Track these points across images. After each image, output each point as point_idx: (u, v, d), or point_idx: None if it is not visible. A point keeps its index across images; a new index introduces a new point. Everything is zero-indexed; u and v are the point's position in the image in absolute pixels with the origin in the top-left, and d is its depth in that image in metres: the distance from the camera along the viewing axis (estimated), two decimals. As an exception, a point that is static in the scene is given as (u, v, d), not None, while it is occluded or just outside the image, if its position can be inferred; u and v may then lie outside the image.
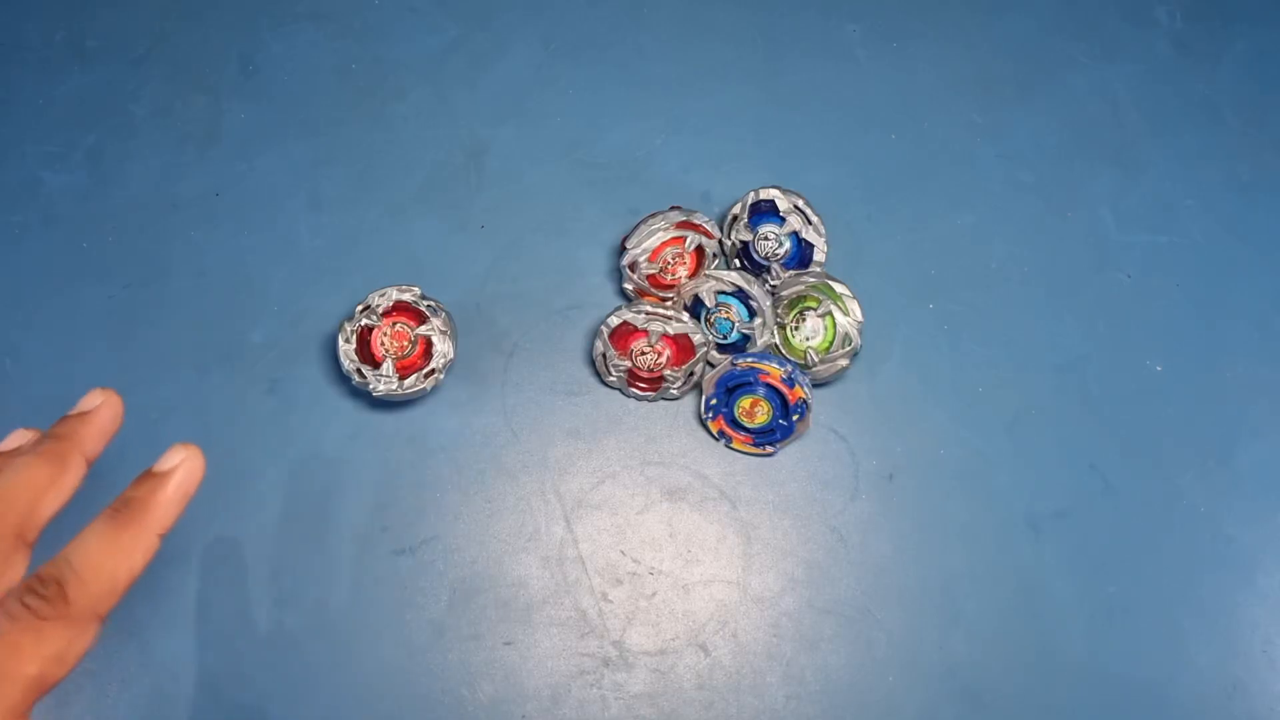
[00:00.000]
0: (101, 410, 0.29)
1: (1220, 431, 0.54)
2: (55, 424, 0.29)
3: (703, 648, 0.49)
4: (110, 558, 0.27)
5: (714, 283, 0.51)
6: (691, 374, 0.52)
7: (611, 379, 0.52)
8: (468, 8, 0.61)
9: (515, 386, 0.53)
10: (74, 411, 0.29)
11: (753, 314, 0.51)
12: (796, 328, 0.51)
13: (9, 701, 0.25)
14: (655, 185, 0.57)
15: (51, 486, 0.28)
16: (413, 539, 0.50)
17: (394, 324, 0.49)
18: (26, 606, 0.25)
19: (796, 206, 0.52)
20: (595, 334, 0.52)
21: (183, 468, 0.28)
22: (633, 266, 0.52)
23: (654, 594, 0.50)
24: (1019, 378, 0.54)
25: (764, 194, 0.52)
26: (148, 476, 0.28)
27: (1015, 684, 0.49)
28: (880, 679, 0.49)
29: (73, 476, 0.28)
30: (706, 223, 0.52)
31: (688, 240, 0.52)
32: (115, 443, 0.50)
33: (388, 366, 0.49)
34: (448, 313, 0.50)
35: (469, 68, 0.59)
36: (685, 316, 0.50)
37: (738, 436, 0.51)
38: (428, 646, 0.48)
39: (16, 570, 0.27)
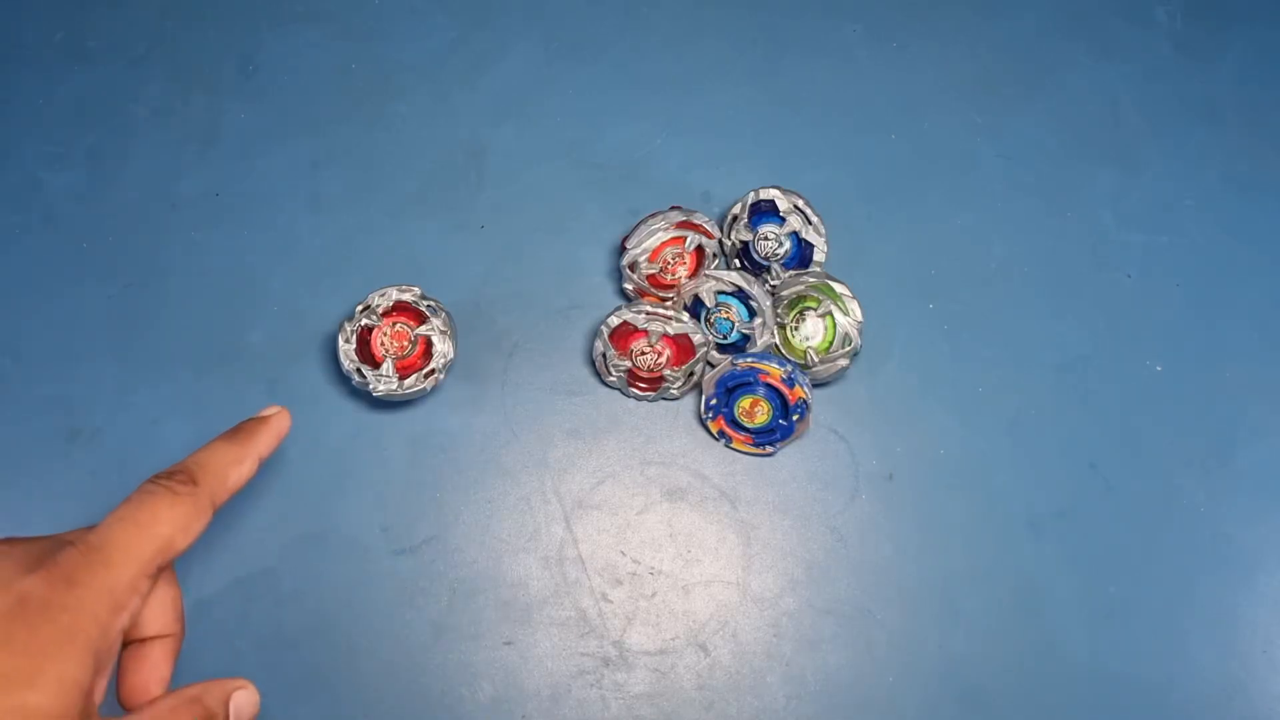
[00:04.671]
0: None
1: (1220, 431, 0.54)
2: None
3: (703, 648, 0.49)
4: (228, 462, 0.34)
5: (714, 283, 0.51)
6: (691, 374, 0.52)
7: (611, 379, 0.52)
8: (468, 8, 0.61)
9: (515, 386, 0.53)
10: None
11: (753, 314, 0.51)
12: (796, 328, 0.51)
13: (144, 553, 0.30)
14: (655, 185, 0.57)
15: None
16: (413, 539, 0.50)
17: (394, 324, 0.49)
18: (163, 485, 0.32)
19: (796, 206, 0.52)
20: (595, 334, 0.52)
21: (277, 416, 0.38)
22: (633, 266, 0.52)
23: (654, 594, 0.50)
24: (1019, 378, 0.54)
25: (764, 194, 0.52)
26: (252, 419, 0.37)
27: (1015, 684, 0.49)
28: (880, 679, 0.49)
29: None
30: (706, 223, 0.52)
31: (688, 240, 0.52)
32: (117, 443, 0.51)
33: (388, 366, 0.49)
34: (448, 313, 0.50)
35: (469, 68, 0.59)
36: (685, 316, 0.50)
37: (738, 436, 0.51)
38: (428, 646, 0.48)
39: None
